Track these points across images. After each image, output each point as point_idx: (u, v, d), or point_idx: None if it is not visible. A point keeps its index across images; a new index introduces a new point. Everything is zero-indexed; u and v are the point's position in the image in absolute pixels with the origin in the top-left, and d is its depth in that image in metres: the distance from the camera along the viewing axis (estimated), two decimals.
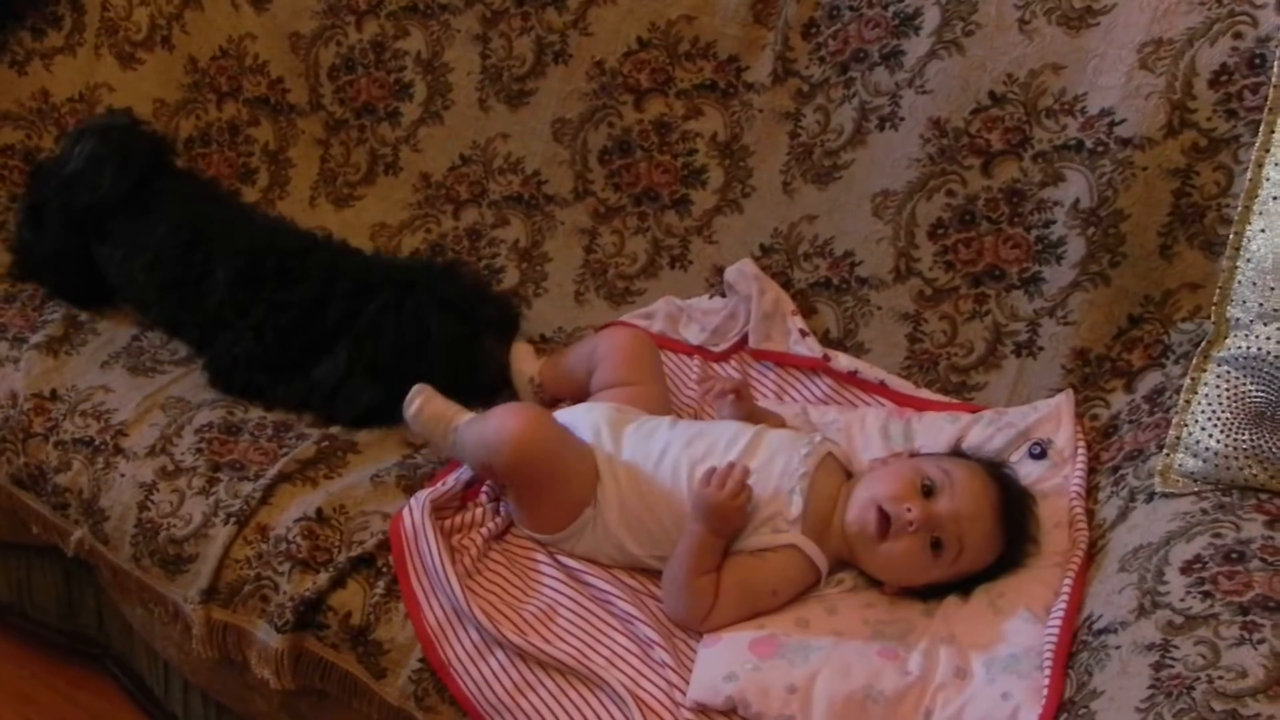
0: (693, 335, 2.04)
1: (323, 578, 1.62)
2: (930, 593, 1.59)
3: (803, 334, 1.98)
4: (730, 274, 2.06)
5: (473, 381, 1.87)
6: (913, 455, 1.71)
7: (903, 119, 1.94)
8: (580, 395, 1.86)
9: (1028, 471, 1.73)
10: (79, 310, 2.08)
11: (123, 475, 1.79)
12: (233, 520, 1.69)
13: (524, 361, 1.94)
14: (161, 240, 1.98)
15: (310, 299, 1.88)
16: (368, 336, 1.85)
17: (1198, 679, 1.23)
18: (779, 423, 1.78)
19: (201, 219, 2.01)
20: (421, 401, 1.76)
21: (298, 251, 1.96)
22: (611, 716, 1.47)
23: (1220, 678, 1.22)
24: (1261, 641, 1.25)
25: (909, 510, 1.54)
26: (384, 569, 1.63)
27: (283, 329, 1.88)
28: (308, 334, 1.88)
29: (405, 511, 1.65)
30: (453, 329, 1.86)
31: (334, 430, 1.84)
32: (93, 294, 2.10)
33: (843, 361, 1.96)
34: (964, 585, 1.59)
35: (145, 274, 2.00)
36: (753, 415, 1.77)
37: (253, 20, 2.38)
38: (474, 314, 1.90)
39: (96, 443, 1.84)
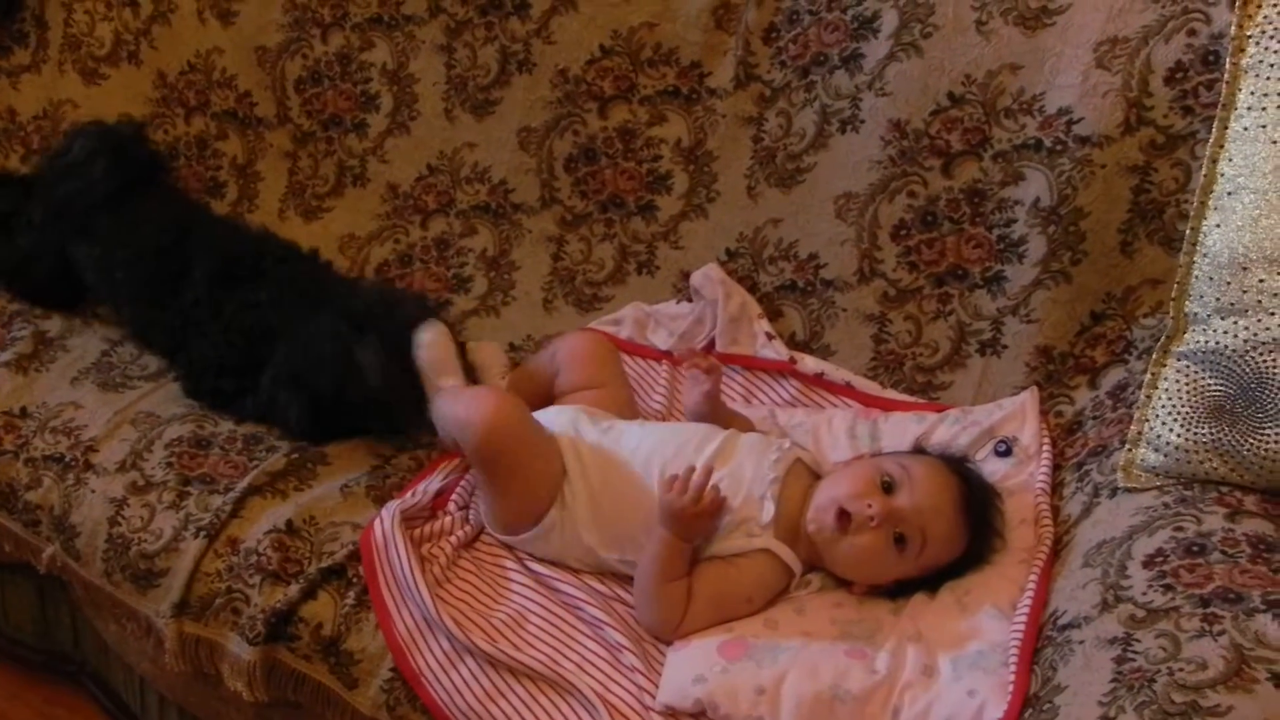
0: (660, 340, 2.05)
1: (293, 589, 1.63)
2: (898, 590, 1.60)
3: (769, 337, 1.99)
4: (696, 279, 2.07)
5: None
6: (875, 455, 1.72)
7: (863, 121, 1.95)
8: (545, 404, 1.86)
9: (993, 469, 1.74)
10: (46, 326, 2.07)
11: (93, 491, 1.79)
12: (203, 534, 1.69)
13: (491, 370, 1.94)
14: (145, 238, 2.00)
15: (268, 302, 1.89)
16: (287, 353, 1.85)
17: (1158, 671, 1.24)
18: (747, 425, 1.79)
19: (187, 220, 2.04)
20: (430, 338, 1.77)
21: (275, 258, 1.97)
22: None
23: (1180, 670, 1.23)
24: (1221, 633, 1.26)
25: (869, 506, 1.55)
26: (354, 579, 1.63)
27: (246, 330, 1.88)
28: (264, 339, 1.87)
29: (375, 522, 1.65)
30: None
31: (303, 442, 1.84)
32: (64, 297, 2.12)
33: (809, 364, 1.97)
34: (932, 582, 1.60)
35: (124, 270, 2.00)
36: (720, 416, 1.77)
37: (220, 34, 2.38)
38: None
39: (67, 459, 1.83)
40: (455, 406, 1.70)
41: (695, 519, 1.55)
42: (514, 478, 1.65)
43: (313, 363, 1.80)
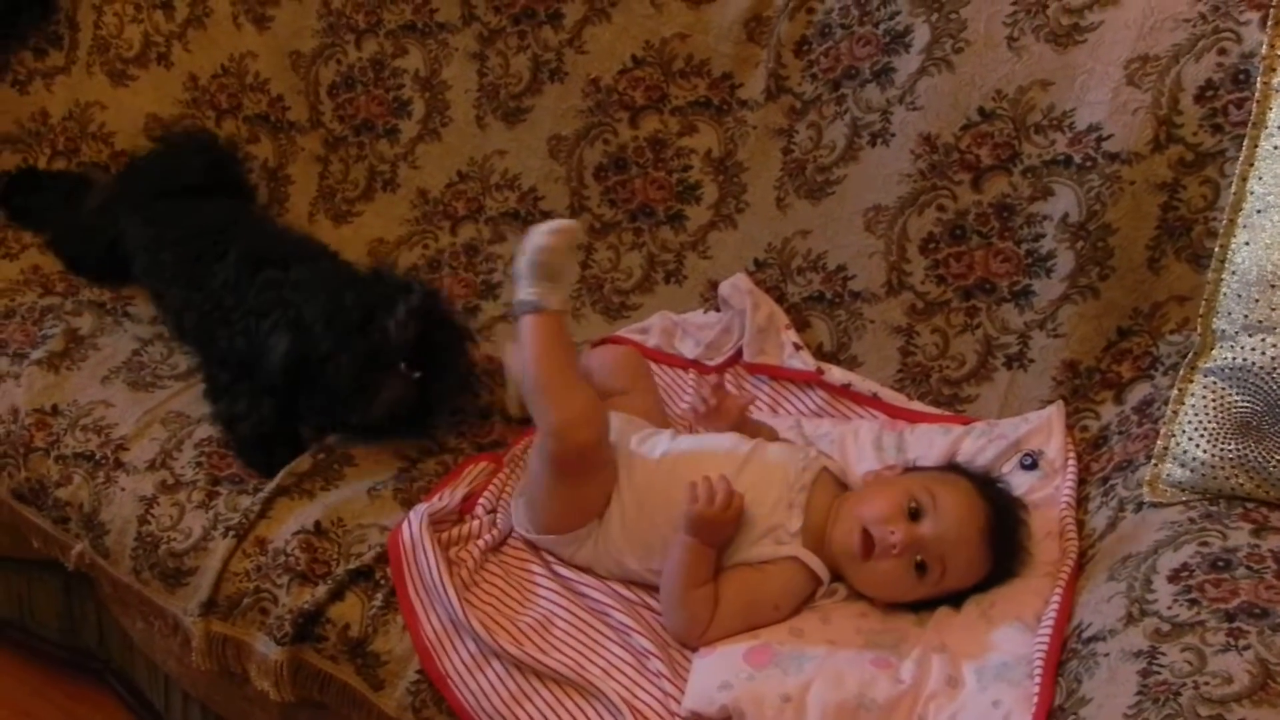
0: (688, 349, 2.06)
1: (321, 590, 1.64)
2: (921, 605, 1.60)
3: (796, 348, 2.00)
4: (724, 289, 2.07)
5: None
6: (906, 470, 1.72)
7: (894, 135, 1.96)
8: None
9: (1019, 482, 1.74)
10: (78, 324, 2.09)
11: (123, 489, 1.80)
12: (232, 533, 1.71)
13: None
14: (194, 222, 2.05)
15: (289, 282, 1.89)
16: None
17: (1184, 685, 1.24)
18: (772, 435, 1.80)
19: (235, 213, 2.10)
20: (565, 238, 1.65)
21: (308, 255, 2.00)
22: None
23: (1206, 684, 1.23)
24: (1247, 648, 1.26)
25: (893, 534, 1.55)
26: (382, 581, 1.64)
27: (265, 312, 1.86)
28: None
29: (404, 524, 1.66)
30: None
31: (330, 441, 1.85)
32: (108, 272, 2.19)
33: (836, 374, 1.97)
34: (956, 598, 1.60)
35: (171, 251, 2.05)
36: (744, 427, 1.78)
37: (254, 39, 2.41)
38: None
39: (97, 457, 1.85)
40: (566, 393, 1.61)
41: (718, 523, 1.56)
42: (579, 487, 1.64)
43: (326, 316, 1.78)
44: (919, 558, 1.55)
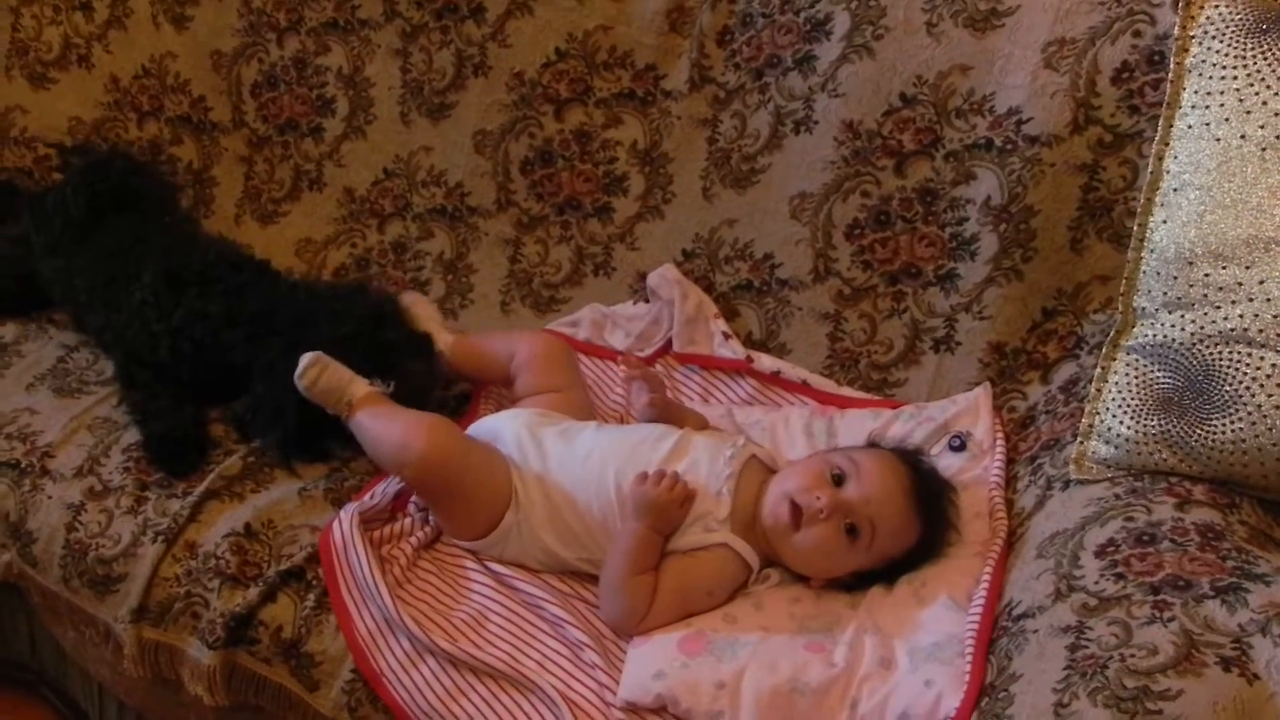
0: (618, 341, 2.06)
1: (253, 592, 1.62)
2: (855, 584, 1.62)
3: (726, 336, 2.00)
4: (653, 279, 2.08)
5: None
6: (827, 451, 1.74)
7: (817, 123, 1.97)
8: (485, 380, 1.90)
9: (948, 464, 1.76)
10: (1, 333, 2.05)
11: (50, 497, 1.78)
12: (161, 538, 1.69)
13: (430, 326, 1.95)
14: (102, 245, 2.01)
15: (219, 315, 1.87)
16: (263, 379, 1.84)
17: (1110, 658, 1.26)
18: (701, 423, 1.81)
19: (146, 229, 2.04)
20: (316, 373, 1.74)
21: (227, 264, 1.96)
22: (544, 719, 1.48)
23: (1132, 656, 1.25)
24: (1171, 619, 1.28)
25: (818, 499, 1.57)
26: (314, 582, 1.63)
27: (197, 341, 1.87)
28: (215, 352, 1.87)
29: (334, 524, 1.65)
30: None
31: (258, 444, 1.83)
32: (26, 307, 2.12)
33: (765, 362, 1.98)
34: (889, 574, 1.61)
35: (82, 277, 2.00)
36: (673, 414, 1.79)
37: (174, 39, 2.37)
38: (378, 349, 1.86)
39: (23, 465, 1.82)
40: (389, 436, 1.71)
41: (669, 507, 1.57)
42: (456, 499, 1.67)
43: (299, 404, 1.78)
44: (848, 521, 1.57)
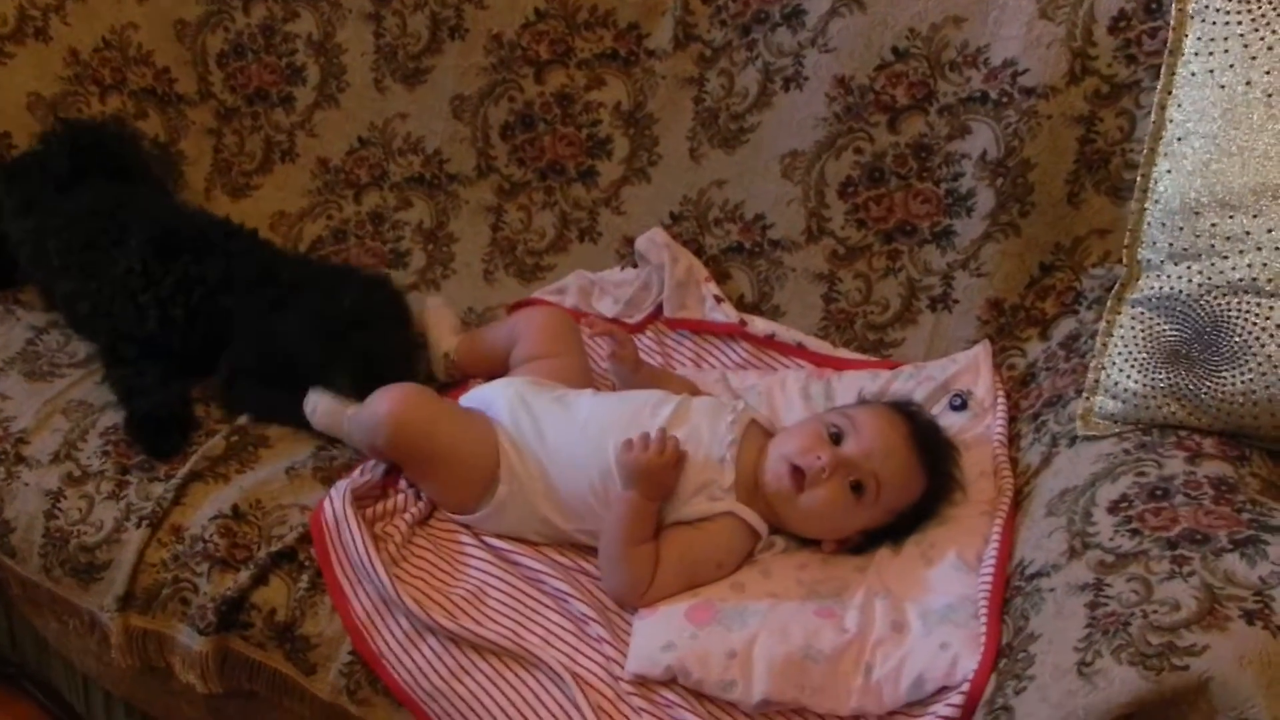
0: (606, 308, 2.03)
1: (243, 575, 1.59)
2: (864, 544, 1.60)
3: (717, 300, 1.98)
4: (641, 244, 2.05)
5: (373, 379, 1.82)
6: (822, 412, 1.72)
7: (807, 79, 1.94)
8: (496, 374, 1.84)
9: (949, 423, 1.74)
10: None
11: (26, 484, 1.74)
12: (145, 523, 1.65)
13: (441, 330, 1.93)
14: (80, 207, 1.96)
15: (218, 282, 1.84)
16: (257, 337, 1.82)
17: (1133, 614, 1.24)
18: (689, 386, 1.79)
19: (125, 193, 2.00)
20: (314, 403, 1.75)
21: (219, 231, 1.94)
22: (550, 695, 1.45)
23: (1155, 611, 1.23)
24: (1191, 574, 1.26)
25: (819, 458, 1.55)
26: (306, 562, 1.60)
27: (190, 308, 1.83)
28: (212, 321, 1.83)
29: (325, 502, 1.62)
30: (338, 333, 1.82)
31: (242, 422, 1.80)
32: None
33: (759, 325, 1.96)
34: (898, 531, 1.59)
35: (56, 238, 1.95)
36: (655, 380, 1.78)
37: (135, 9, 2.30)
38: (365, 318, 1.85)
39: None
40: (364, 415, 1.69)
41: (660, 471, 1.54)
42: (439, 465, 1.64)
43: (281, 364, 1.77)
44: (852, 478, 1.55)
